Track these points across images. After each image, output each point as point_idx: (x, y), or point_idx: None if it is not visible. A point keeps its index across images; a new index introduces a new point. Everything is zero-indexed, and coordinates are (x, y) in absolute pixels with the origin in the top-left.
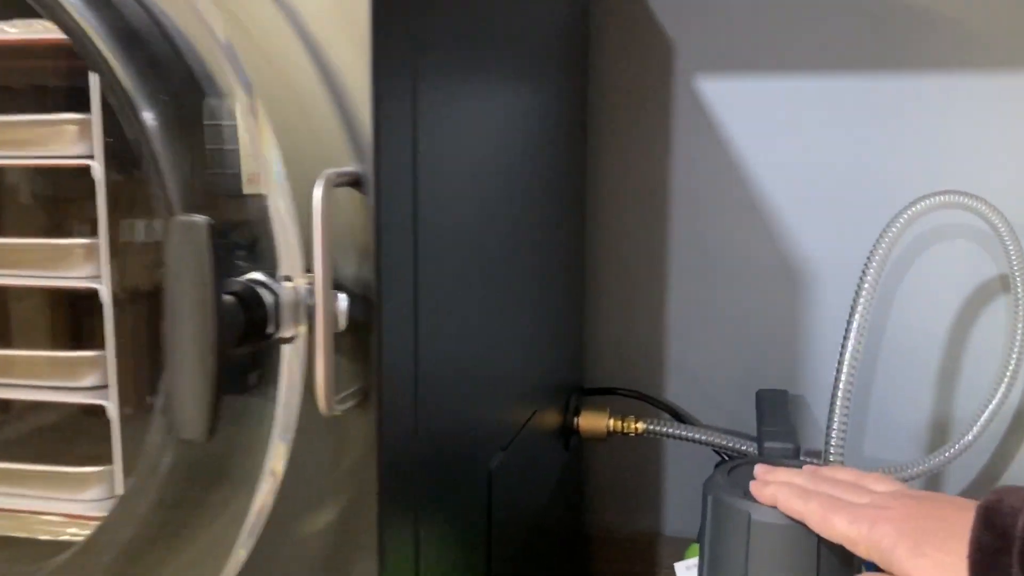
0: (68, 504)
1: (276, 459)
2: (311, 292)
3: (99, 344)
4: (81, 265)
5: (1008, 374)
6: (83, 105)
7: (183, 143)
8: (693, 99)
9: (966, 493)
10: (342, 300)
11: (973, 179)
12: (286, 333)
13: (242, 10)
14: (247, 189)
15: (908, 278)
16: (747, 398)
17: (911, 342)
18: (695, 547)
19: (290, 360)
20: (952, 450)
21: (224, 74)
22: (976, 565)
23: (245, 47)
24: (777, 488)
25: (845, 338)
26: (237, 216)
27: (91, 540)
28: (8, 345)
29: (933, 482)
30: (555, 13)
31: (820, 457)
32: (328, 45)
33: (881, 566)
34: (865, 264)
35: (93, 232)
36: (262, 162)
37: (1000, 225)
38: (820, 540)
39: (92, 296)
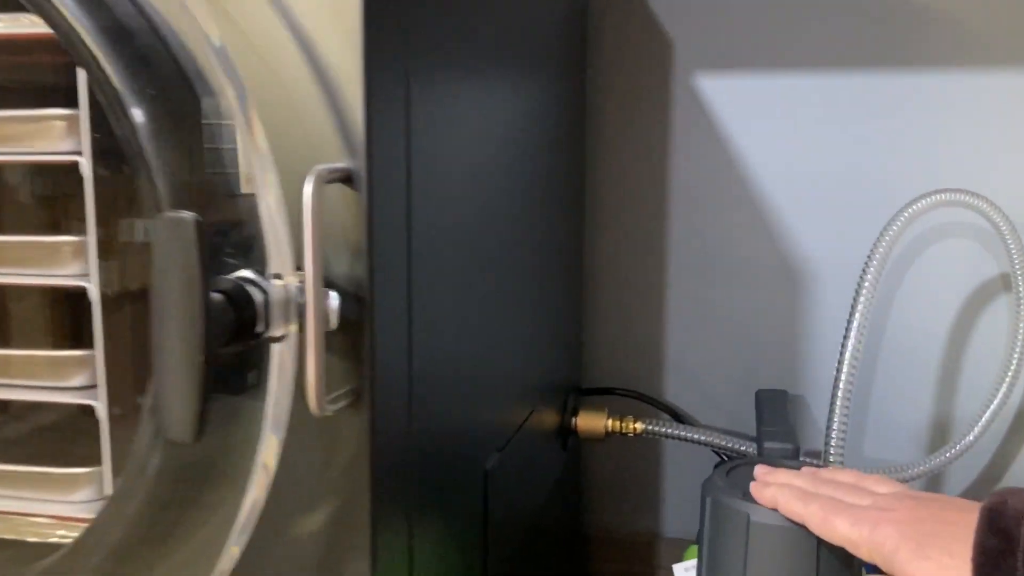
0: (57, 506)
1: (267, 460)
2: (302, 290)
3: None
4: (69, 263)
5: (1009, 374)
6: (72, 102)
7: (172, 140)
8: (692, 98)
9: (967, 494)
10: (333, 298)
11: (974, 177)
12: (276, 332)
13: (232, 4)
14: (244, 188)
15: (908, 277)
16: (746, 398)
17: (911, 342)
18: (694, 549)
19: (280, 360)
20: (953, 451)
21: (214, 70)
22: (980, 568)
23: (235, 42)
24: (778, 490)
25: (845, 338)
26: (227, 213)
27: (79, 542)
28: (6, 345)
29: (933, 483)
30: (553, 11)
31: (820, 458)
32: (319, 39)
33: (883, 569)
34: (865, 263)
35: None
36: (253, 159)
37: (1001, 223)
38: (820, 542)
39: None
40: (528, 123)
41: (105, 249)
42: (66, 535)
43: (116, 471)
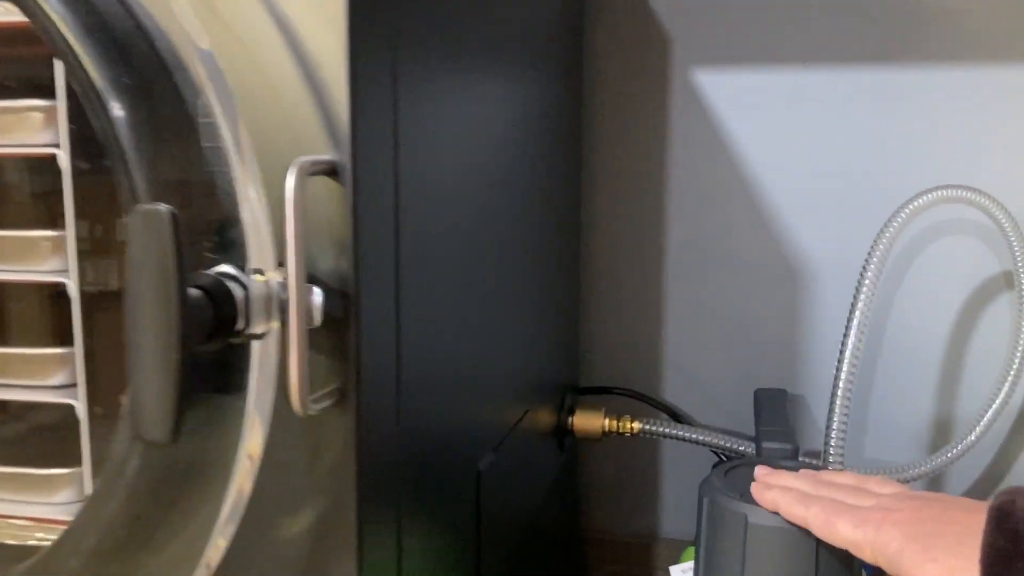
0: (37, 507)
1: (249, 461)
2: (284, 286)
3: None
4: (48, 259)
5: (1011, 373)
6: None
7: (150, 131)
8: (690, 94)
9: (968, 495)
10: (317, 294)
11: (976, 174)
12: (257, 329)
13: None
14: (225, 181)
15: (909, 275)
16: (745, 398)
17: (912, 340)
18: (691, 550)
19: (262, 358)
20: (954, 451)
21: (193, 59)
22: (989, 569)
23: (215, 29)
24: (779, 494)
25: (845, 336)
26: (207, 207)
27: (57, 545)
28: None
29: (934, 483)
30: (549, 6)
31: (819, 458)
32: (303, 27)
33: (887, 571)
34: (865, 261)
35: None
36: (234, 150)
37: (1004, 220)
38: (819, 544)
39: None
40: (523, 120)
41: (90, 246)
42: (44, 538)
43: (97, 472)
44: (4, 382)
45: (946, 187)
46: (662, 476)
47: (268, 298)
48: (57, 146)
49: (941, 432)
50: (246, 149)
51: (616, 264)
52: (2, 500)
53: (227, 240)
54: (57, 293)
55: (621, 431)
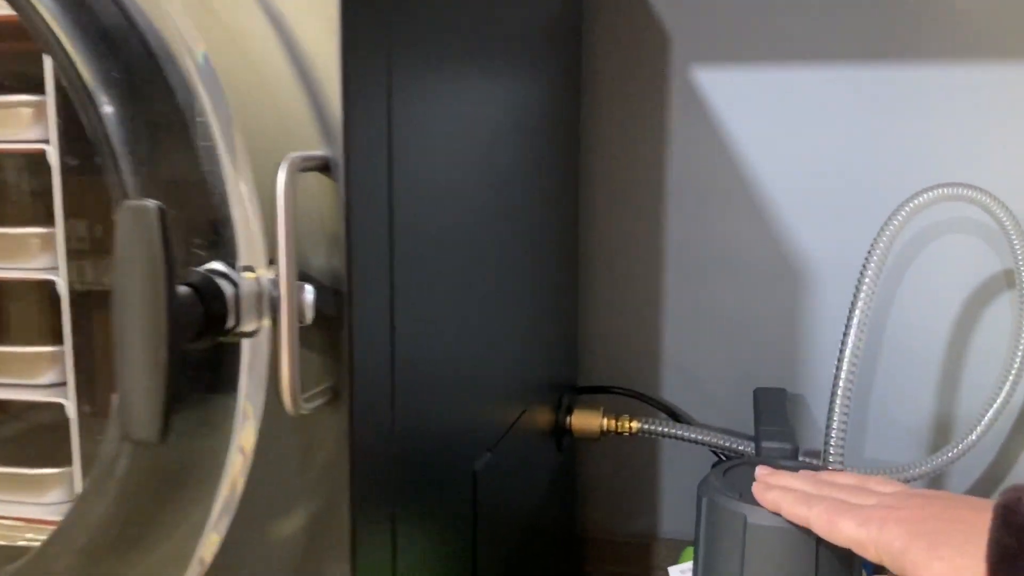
0: (27, 508)
1: (241, 461)
2: (275, 283)
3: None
4: (37, 256)
5: (1012, 372)
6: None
7: (140, 127)
8: (689, 91)
9: (970, 494)
10: (309, 292)
11: (977, 172)
12: (248, 327)
13: None
14: (216, 177)
15: (909, 274)
16: (744, 397)
17: (912, 339)
18: (690, 550)
19: (253, 356)
20: (955, 450)
21: (183, 53)
22: (995, 567)
23: (206, 25)
24: (780, 494)
25: (845, 335)
26: (197, 203)
27: (46, 545)
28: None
29: (935, 483)
30: (547, 3)
31: (819, 458)
32: (296, 21)
33: (891, 569)
34: (865, 259)
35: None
36: (225, 146)
37: (1005, 219)
38: (819, 544)
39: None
40: (521, 116)
41: (89, 245)
42: (34, 538)
43: (88, 472)
44: None
45: (946, 185)
46: (661, 476)
47: (259, 296)
48: (47, 142)
49: (942, 432)
50: (237, 145)
51: (615, 262)
52: None
53: (218, 237)
54: (56, 292)
55: (619, 431)
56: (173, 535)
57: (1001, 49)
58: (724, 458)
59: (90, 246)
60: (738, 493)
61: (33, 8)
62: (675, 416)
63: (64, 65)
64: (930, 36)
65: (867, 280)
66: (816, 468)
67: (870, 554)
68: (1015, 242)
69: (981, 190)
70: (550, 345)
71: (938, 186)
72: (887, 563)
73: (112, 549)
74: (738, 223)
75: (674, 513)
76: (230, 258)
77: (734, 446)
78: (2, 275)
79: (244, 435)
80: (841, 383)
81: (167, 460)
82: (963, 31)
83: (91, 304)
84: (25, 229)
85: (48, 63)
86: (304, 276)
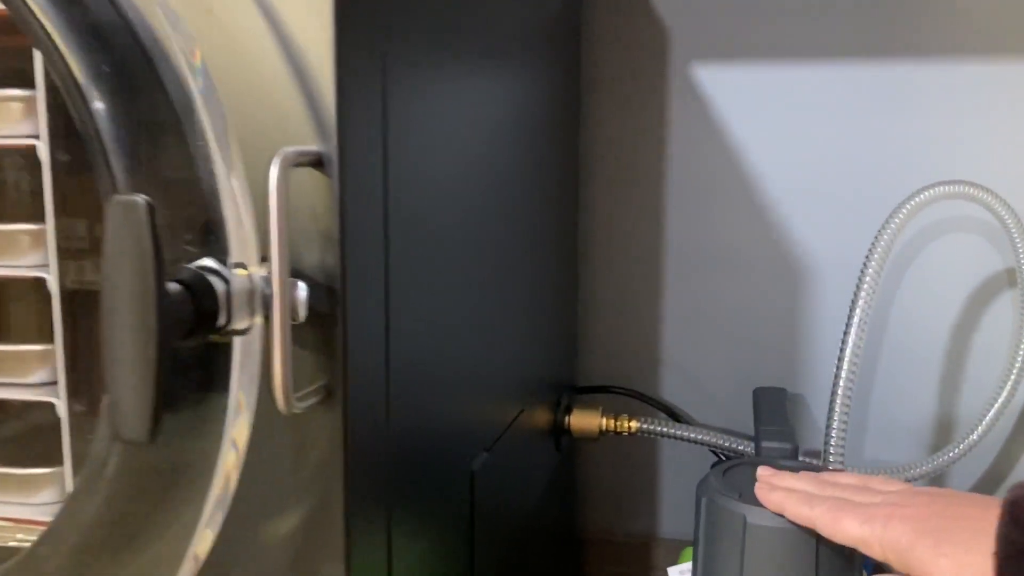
0: (18, 508)
1: (233, 460)
2: (268, 280)
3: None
4: (27, 253)
5: (1014, 371)
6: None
7: (130, 121)
8: (689, 88)
9: None
10: (302, 289)
11: (978, 170)
12: (240, 324)
13: None
14: (207, 173)
15: (910, 273)
16: (744, 396)
17: (913, 339)
18: (690, 551)
19: (245, 354)
20: (956, 450)
21: (173, 44)
22: (1003, 563)
23: (198, 17)
24: (784, 495)
25: (845, 334)
26: (188, 198)
27: (37, 545)
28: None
29: (936, 483)
30: None
31: (819, 457)
32: (288, 13)
33: (896, 567)
34: (866, 257)
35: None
36: (216, 141)
37: (1006, 216)
38: (819, 544)
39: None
40: (519, 113)
41: (88, 244)
42: (25, 539)
43: (79, 472)
44: None
45: (948, 183)
46: (660, 476)
47: (251, 293)
48: (37, 137)
49: (943, 431)
50: (230, 140)
51: (614, 260)
52: None
53: (209, 233)
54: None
55: (619, 430)
56: (165, 535)
57: (1002, 47)
58: (724, 458)
59: (89, 245)
60: (738, 493)
61: (23, 2)
62: (675, 416)
63: (54, 60)
64: (931, 33)
65: (868, 279)
66: (817, 468)
67: (875, 552)
68: (1017, 240)
69: (983, 188)
70: (549, 344)
71: (939, 184)
72: (892, 560)
73: (103, 549)
74: (738, 221)
75: (673, 513)
76: (222, 255)
77: (734, 446)
78: None
79: (237, 433)
80: (841, 382)
81: (158, 460)
82: (964, 28)
83: (90, 303)
84: (15, 226)
85: (39, 58)
86: (297, 273)
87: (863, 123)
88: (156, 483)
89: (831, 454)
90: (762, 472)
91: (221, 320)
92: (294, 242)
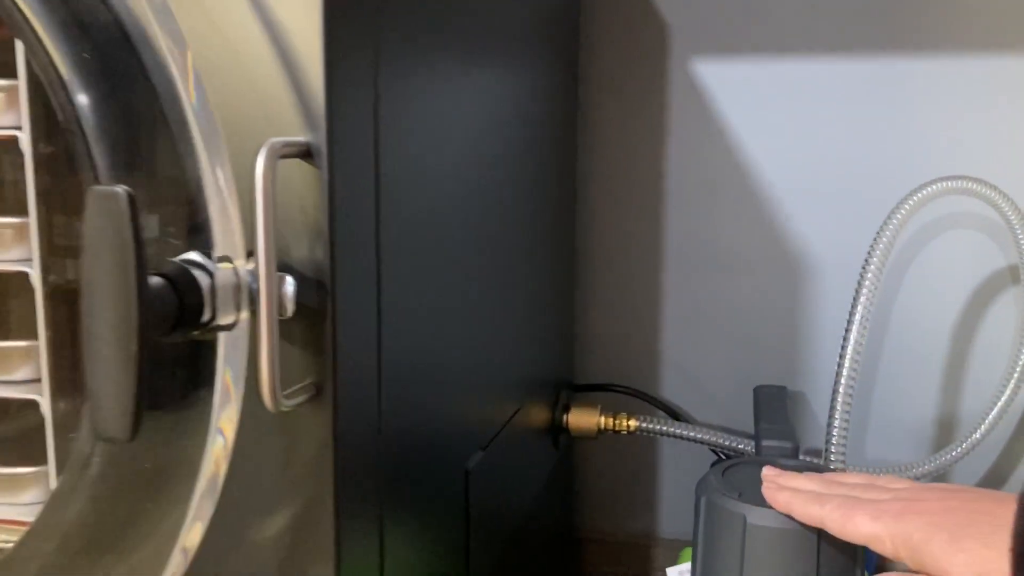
0: (5, 508)
1: (219, 459)
2: (255, 274)
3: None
4: (10, 247)
5: (1017, 370)
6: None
7: (113, 111)
8: (689, 84)
9: None
10: (289, 283)
11: (981, 166)
12: (225, 320)
13: None
14: (192, 164)
15: (912, 270)
16: (744, 395)
17: (915, 337)
18: (689, 551)
19: (230, 349)
20: (958, 449)
21: (157, 32)
22: (1020, 558)
23: (181, 3)
24: (791, 495)
25: (847, 332)
26: (172, 190)
27: (18, 547)
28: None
29: (940, 482)
30: None
31: (820, 456)
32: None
33: (909, 563)
34: (868, 254)
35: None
36: (202, 131)
37: (1010, 213)
38: (820, 544)
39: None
40: (517, 107)
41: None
42: (7, 540)
43: (62, 471)
44: None
45: (950, 178)
46: (659, 475)
47: (236, 287)
48: (19, 128)
49: (945, 430)
50: (214, 129)
51: (613, 257)
52: None
53: (194, 226)
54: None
55: (617, 429)
56: (153, 535)
57: (1005, 42)
58: (724, 457)
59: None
60: (738, 493)
61: None
62: (674, 414)
63: (35, 50)
64: (933, 28)
65: (869, 276)
66: (819, 468)
67: (886, 548)
68: (1020, 236)
69: (985, 183)
70: (546, 341)
71: (941, 179)
72: (904, 557)
73: (87, 551)
74: (739, 218)
75: (673, 513)
76: (207, 248)
77: (734, 445)
78: None
79: (224, 431)
80: (843, 381)
81: (143, 459)
82: (966, 24)
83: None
84: None
85: (20, 48)
86: (285, 267)
87: (864, 119)
88: (140, 483)
89: (832, 453)
90: (768, 472)
91: (206, 315)
92: (281, 235)
